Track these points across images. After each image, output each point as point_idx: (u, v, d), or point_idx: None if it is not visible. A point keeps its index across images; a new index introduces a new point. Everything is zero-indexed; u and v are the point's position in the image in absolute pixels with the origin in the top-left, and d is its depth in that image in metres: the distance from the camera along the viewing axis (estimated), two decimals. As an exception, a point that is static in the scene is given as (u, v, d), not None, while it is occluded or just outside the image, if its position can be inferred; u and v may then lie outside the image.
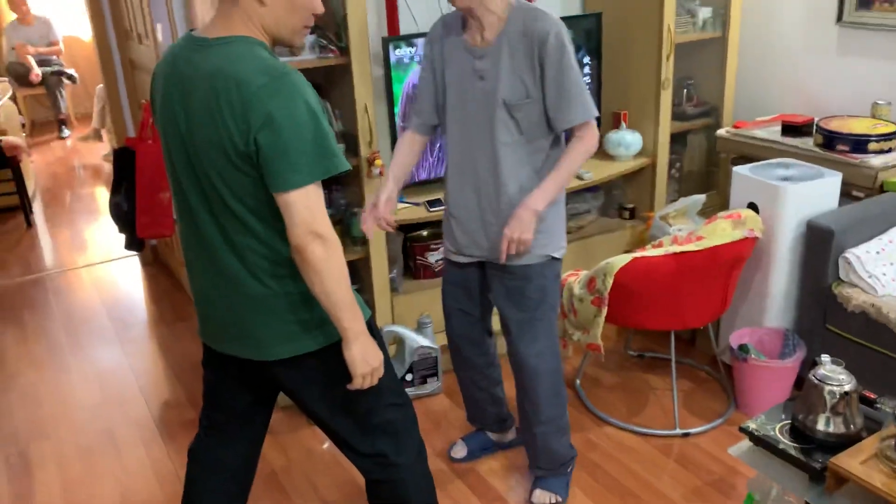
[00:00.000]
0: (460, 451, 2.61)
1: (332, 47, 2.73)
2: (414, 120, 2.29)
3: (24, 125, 7.16)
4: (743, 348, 2.72)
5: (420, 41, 2.92)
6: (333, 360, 1.61)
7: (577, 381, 3.00)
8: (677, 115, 3.65)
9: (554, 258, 2.18)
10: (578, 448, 2.60)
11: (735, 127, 3.35)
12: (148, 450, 2.79)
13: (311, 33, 2.72)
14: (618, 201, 3.69)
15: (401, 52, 2.92)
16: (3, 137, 5.15)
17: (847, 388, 1.78)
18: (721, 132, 3.38)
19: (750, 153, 3.19)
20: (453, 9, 2.07)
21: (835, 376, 1.80)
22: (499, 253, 2.08)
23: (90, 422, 2.99)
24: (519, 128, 2.05)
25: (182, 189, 1.58)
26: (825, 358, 1.85)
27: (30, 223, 5.24)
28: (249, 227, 1.54)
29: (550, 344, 2.23)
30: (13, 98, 6.74)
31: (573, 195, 3.51)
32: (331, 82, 2.90)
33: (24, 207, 5.24)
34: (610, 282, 2.44)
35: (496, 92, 2.03)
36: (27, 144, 6.07)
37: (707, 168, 3.83)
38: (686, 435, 2.68)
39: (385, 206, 2.18)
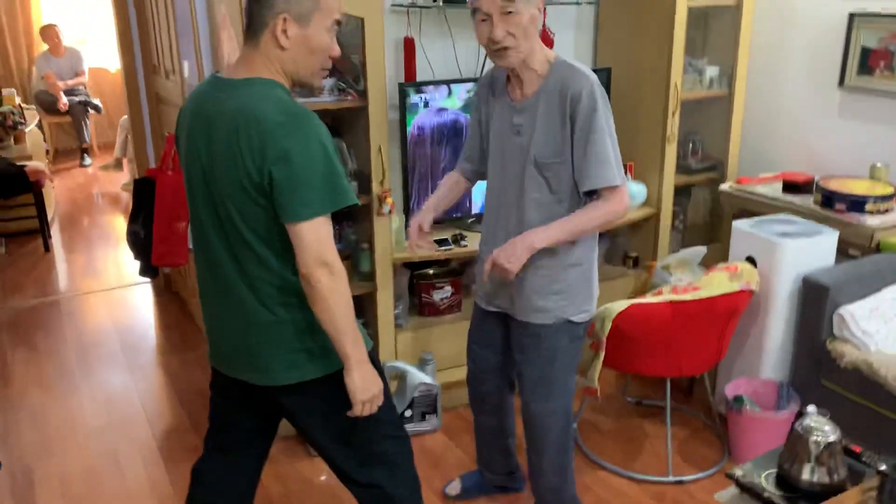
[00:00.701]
0: (455, 488, 2.63)
1: (351, 91, 2.85)
2: (461, 164, 2.35)
3: (48, 152, 7.35)
4: (738, 399, 2.76)
5: (431, 88, 3.04)
6: (336, 388, 1.68)
7: (574, 425, 3.04)
8: (682, 169, 3.74)
9: (572, 322, 2.15)
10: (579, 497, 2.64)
11: (738, 182, 3.44)
12: (149, 473, 2.85)
13: (331, 76, 2.85)
14: (622, 249, 3.77)
15: (422, 96, 3.04)
16: (27, 163, 5.31)
17: (831, 438, 1.83)
18: (724, 187, 3.46)
19: (751, 208, 3.27)
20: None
21: (819, 427, 1.85)
22: (512, 303, 2.14)
23: (95, 443, 3.05)
24: (549, 186, 2.05)
25: (200, 220, 1.68)
26: (811, 408, 1.90)
27: (47, 247, 5.36)
28: (261, 258, 1.63)
29: (563, 403, 2.23)
30: (39, 125, 6.94)
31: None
32: (348, 123, 3.02)
33: (43, 232, 5.37)
34: (608, 326, 2.51)
35: (529, 148, 2.04)
36: (50, 171, 6.24)
37: (710, 221, 3.90)
38: (679, 482, 2.71)
39: (423, 225, 2.26)
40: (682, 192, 3.82)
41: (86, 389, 3.47)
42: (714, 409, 2.98)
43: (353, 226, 3.11)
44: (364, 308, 3.14)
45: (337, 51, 1.68)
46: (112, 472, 2.85)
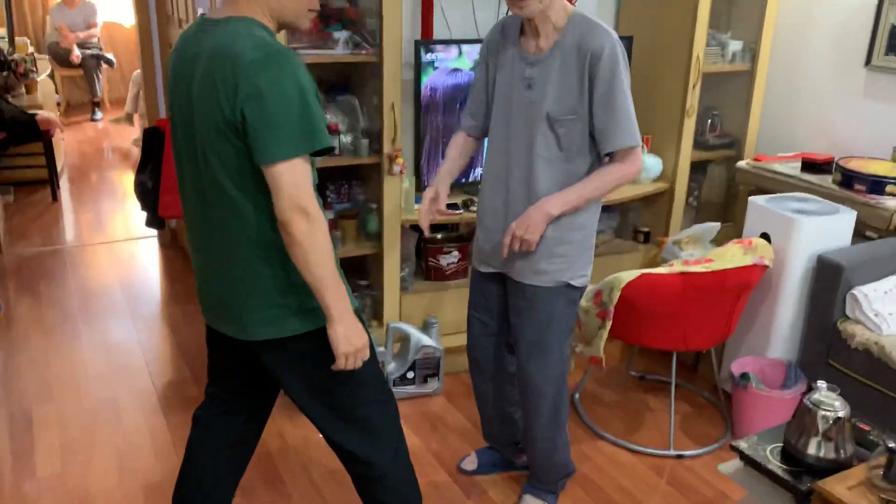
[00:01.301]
0: (471, 463, 2.59)
1: (366, 45, 2.80)
2: (465, 122, 2.27)
3: (59, 104, 7.30)
4: (744, 377, 2.73)
5: (448, 47, 2.98)
6: (316, 347, 1.64)
7: (576, 396, 3.02)
8: (699, 144, 3.68)
9: (571, 286, 2.12)
10: (572, 459, 2.62)
11: (755, 160, 3.38)
12: (148, 421, 2.84)
13: (345, 29, 2.79)
14: (633, 224, 3.72)
15: (431, 56, 2.97)
16: (38, 112, 5.26)
17: (840, 414, 1.80)
18: (741, 164, 3.40)
19: (768, 186, 3.21)
20: (508, 14, 2.06)
21: (829, 402, 1.82)
22: (510, 264, 2.10)
23: (94, 389, 3.04)
24: (559, 144, 2.00)
25: (183, 168, 1.63)
26: (821, 384, 1.86)
27: (55, 197, 5.34)
28: (238, 208, 1.57)
29: (558, 368, 2.19)
30: (52, 78, 6.90)
31: (589, 214, 3.55)
32: (360, 80, 2.96)
33: (52, 182, 5.34)
34: (616, 295, 2.47)
35: (541, 103, 1.99)
36: (61, 123, 6.19)
37: (725, 199, 3.85)
38: (680, 457, 2.68)
39: (443, 199, 2.19)
40: (697, 168, 3.76)
41: (87, 337, 3.46)
42: (719, 386, 2.95)
43: (362, 185, 3.07)
44: (370, 269, 3.11)
45: None
46: (110, 418, 2.85)
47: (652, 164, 3.51)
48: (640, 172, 2.03)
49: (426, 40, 3.01)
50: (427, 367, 2.98)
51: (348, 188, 3.08)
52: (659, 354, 3.21)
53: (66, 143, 6.53)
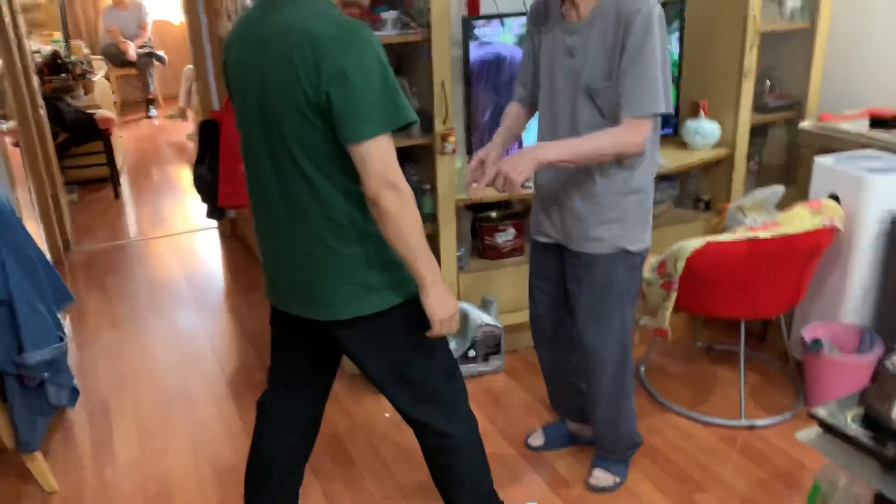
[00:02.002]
0: (537, 439, 2.58)
1: (414, 24, 2.78)
2: (517, 92, 2.26)
3: (115, 103, 7.49)
4: (816, 343, 2.65)
5: (498, 22, 2.94)
6: (392, 324, 1.67)
7: (642, 369, 2.98)
8: (759, 107, 3.56)
9: (629, 251, 2.09)
10: (641, 432, 2.59)
11: (820, 120, 3.26)
12: (219, 406, 2.91)
13: (394, 9, 2.78)
14: (694, 192, 3.64)
15: (479, 32, 2.94)
16: (96, 111, 5.41)
17: (923, 377, 1.73)
18: (804, 125, 3.28)
19: (834, 147, 3.09)
20: None
21: (911, 365, 1.74)
22: (565, 233, 2.09)
23: (166, 377, 3.13)
24: (601, 111, 1.98)
25: (254, 153, 1.63)
26: (902, 346, 1.79)
27: (117, 194, 5.49)
28: (317, 189, 1.58)
29: (619, 334, 2.17)
30: (107, 77, 7.07)
31: (646, 184, 3.48)
32: (410, 60, 2.95)
33: (113, 179, 5.49)
34: (681, 266, 2.42)
35: (582, 71, 1.98)
36: (118, 121, 6.35)
37: (787, 163, 3.72)
38: (752, 427, 2.63)
39: (486, 160, 2.09)
40: (757, 132, 3.64)
41: (156, 328, 3.56)
42: (790, 354, 2.87)
43: (415, 166, 3.06)
44: (427, 248, 3.11)
45: None
46: (183, 405, 2.92)
47: (710, 129, 3.41)
48: (641, 145, 1.94)
49: (473, 16, 2.98)
50: (488, 345, 2.98)
51: (402, 169, 3.07)
52: (725, 324, 3.14)
53: (124, 141, 6.70)
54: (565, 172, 2.08)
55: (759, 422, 2.64)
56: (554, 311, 2.32)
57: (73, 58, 5.79)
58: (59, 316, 2.37)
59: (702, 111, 3.44)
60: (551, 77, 2.07)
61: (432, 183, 2.92)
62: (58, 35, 6.44)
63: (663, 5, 3.23)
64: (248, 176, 1.70)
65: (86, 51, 6.57)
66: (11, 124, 3.56)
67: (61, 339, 2.25)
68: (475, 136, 3.08)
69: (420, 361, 1.75)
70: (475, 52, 2.97)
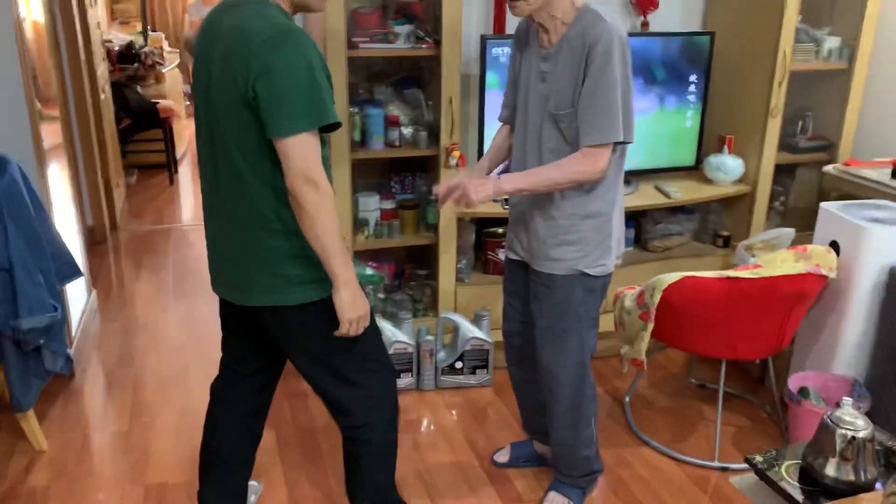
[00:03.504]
0: (503, 455, 2.61)
1: (428, 39, 2.85)
2: (501, 113, 2.33)
3: (185, 94, 7.84)
4: (803, 391, 2.58)
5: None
6: (311, 319, 1.73)
7: (627, 399, 2.95)
8: (788, 147, 3.49)
9: (587, 274, 2.11)
10: (610, 462, 2.58)
11: (845, 164, 3.17)
12: (212, 390, 3.04)
13: (409, 23, 2.86)
14: (713, 227, 3.58)
15: (497, 52, 2.98)
16: (160, 101, 5.70)
17: (861, 434, 1.68)
18: (828, 168, 3.20)
19: (855, 192, 3.01)
20: None
21: (851, 420, 1.70)
22: (528, 252, 2.13)
23: (171, 359, 3.28)
24: (564, 136, 2.02)
25: (201, 144, 1.74)
26: (846, 400, 1.75)
27: (172, 181, 5.76)
28: (248, 182, 1.66)
29: (576, 356, 2.18)
30: (182, 68, 7.41)
31: (665, 213, 3.45)
32: (428, 75, 3.02)
33: (169, 166, 5.76)
34: (658, 297, 2.40)
35: (549, 97, 2.02)
36: (188, 111, 6.64)
37: (815, 205, 3.61)
38: (724, 469, 2.57)
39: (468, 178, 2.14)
40: (785, 171, 3.57)
41: (174, 310, 3.73)
42: (777, 401, 2.80)
43: (423, 177, 3.13)
44: (428, 259, 3.17)
45: None
46: (179, 385, 3.07)
47: (733, 164, 3.36)
48: (601, 173, 1.97)
49: (492, 35, 3.03)
50: (476, 359, 3.01)
51: (412, 179, 3.16)
52: (725, 363, 3.07)
53: (189, 132, 7.01)
54: (530, 197, 2.12)
55: (734, 465, 2.58)
56: (523, 328, 2.34)
57: (146, 48, 6.11)
58: (59, 288, 2.54)
59: (726, 147, 3.39)
60: (526, 101, 2.11)
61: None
62: (139, 27, 6.80)
63: (693, 36, 3.25)
64: (200, 165, 1.80)
65: (164, 43, 6.91)
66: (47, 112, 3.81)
67: (55, 309, 2.41)
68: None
69: (340, 356, 1.82)
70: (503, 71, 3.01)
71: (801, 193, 3.63)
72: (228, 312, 1.93)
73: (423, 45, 2.84)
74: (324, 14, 2.62)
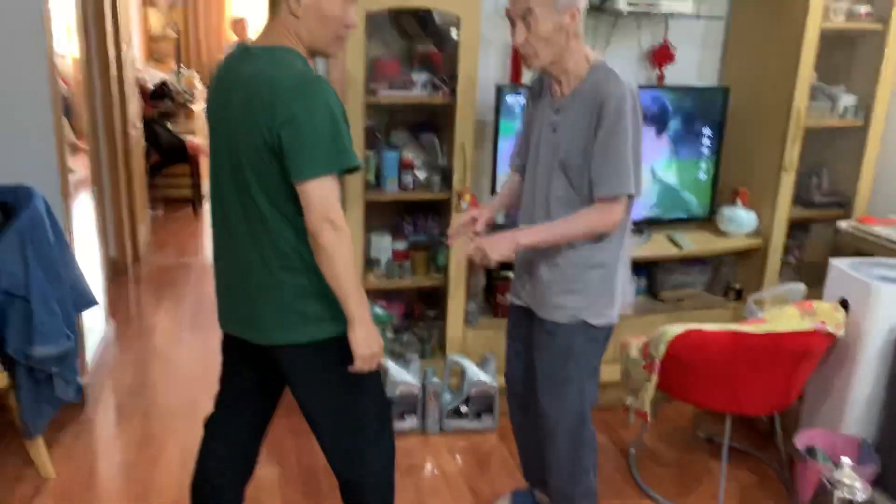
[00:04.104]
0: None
1: (445, 88, 2.92)
2: (513, 160, 2.37)
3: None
4: (810, 450, 2.54)
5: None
6: (326, 356, 1.77)
7: (632, 450, 2.93)
8: (803, 202, 3.49)
9: (589, 324, 2.11)
10: (603, 513, 2.55)
11: (860, 221, 3.16)
12: (219, 424, 3.06)
13: (427, 72, 2.94)
14: (726, 280, 3.57)
15: (512, 101, 3.05)
16: (189, 137, 5.85)
17: (859, 497, 1.66)
18: (842, 224, 3.20)
19: (869, 250, 3.00)
20: None
21: (850, 482, 1.69)
22: (532, 298, 2.15)
23: (181, 390, 3.33)
24: (573, 186, 2.06)
25: (219, 183, 1.79)
26: (845, 461, 1.73)
27: (196, 213, 5.87)
28: (268, 220, 1.71)
29: (575, 406, 2.17)
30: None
31: (678, 264, 3.45)
32: (444, 121, 3.08)
33: (194, 200, 5.89)
34: (663, 349, 2.40)
35: (559, 147, 2.06)
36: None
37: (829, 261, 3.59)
38: (728, 527, 2.54)
39: (480, 222, 2.23)
40: (800, 226, 3.57)
41: (189, 342, 3.79)
42: (783, 459, 2.75)
43: (436, 219, 3.18)
44: (437, 300, 3.20)
45: (352, 20, 1.75)
46: (187, 418, 3.10)
47: (746, 218, 3.37)
48: (616, 225, 2.01)
49: (507, 85, 3.09)
50: (481, 403, 3.01)
51: (424, 221, 3.20)
52: (731, 418, 3.04)
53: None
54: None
55: (737, 523, 2.55)
56: (525, 375, 2.35)
57: (178, 86, 6.29)
58: (74, 317, 2.60)
59: (740, 200, 3.40)
60: (537, 150, 2.16)
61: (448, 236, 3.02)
62: (174, 66, 7.02)
63: (708, 90, 3.29)
64: (213, 204, 1.86)
65: (197, 81, 7.12)
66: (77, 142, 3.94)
67: (69, 338, 2.47)
68: (499, 199, 3.16)
69: (349, 396, 1.84)
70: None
71: (816, 249, 3.62)
72: (234, 349, 1.97)
73: (439, 93, 2.91)
74: (342, 60, 2.71)
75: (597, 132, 1.97)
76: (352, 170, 1.69)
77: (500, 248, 2.02)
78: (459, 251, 2.97)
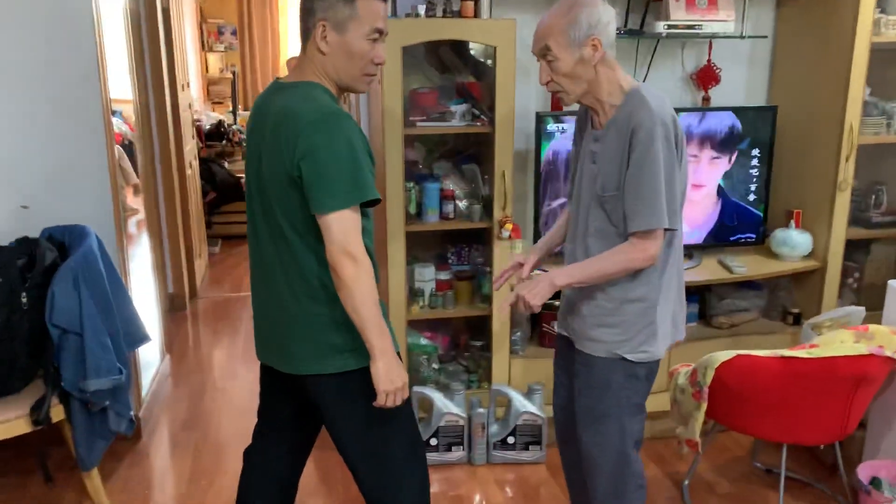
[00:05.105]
0: None
1: (483, 117, 2.94)
2: (568, 191, 2.32)
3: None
4: (875, 482, 2.42)
5: (569, 119, 3.03)
6: (353, 387, 1.77)
7: (686, 482, 2.83)
8: (861, 221, 3.37)
9: (627, 360, 2.03)
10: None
11: (922, 240, 3.03)
12: (268, 456, 3.09)
13: (465, 102, 2.96)
14: (782, 304, 3.46)
15: (552, 128, 3.04)
16: (242, 175, 6.01)
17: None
18: (903, 244, 3.07)
19: (931, 270, 2.87)
20: None
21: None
22: (572, 329, 2.11)
23: (233, 423, 3.38)
24: (609, 218, 2.00)
25: (253, 214, 1.84)
26: (902, 493, 1.64)
27: (252, 250, 6.00)
28: (295, 250, 1.75)
29: (616, 443, 2.10)
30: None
31: (731, 288, 3.36)
32: (485, 151, 3.10)
33: (250, 236, 6.02)
34: (710, 375, 2.33)
35: (597, 178, 2.02)
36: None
37: (894, 283, 3.45)
38: (788, 563, 2.42)
39: (527, 267, 2.21)
40: (858, 247, 3.43)
41: (242, 376, 3.85)
42: (847, 490, 2.62)
43: (479, 249, 3.18)
44: (482, 330, 3.18)
45: (381, 57, 1.77)
46: (239, 450, 3.08)
47: (801, 240, 3.27)
48: (652, 259, 1.94)
49: (547, 112, 3.09)
50: (528, 434, 2.97)
51: (468, 251, 3.21)
52: (790, 448, 2.91)
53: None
54: None
55: (799, 559, 2.43)
56: (569, 404, 2.30)
57: (234, 126, 6.49)
58: (127, 353, 2.68)
59: (793, 221, 3.30)
60: (580, 180, 2.12)
61: (491, 265, 3.02)
62: (230, 106, 7.26)
63: (755, 109, 3.22)
64: (249, 235, 1.90)
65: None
66: (136, 181, 4.09)
67: (121, 372, 2.54)
68: (543, 226, 3.14)
69: (377, 428, 1.84)
70: (558, 147, 3.06)
71: (877, 270, 3.48)
72: (271, 379, 2.00)
73: (478, 123, 2.93)
74: (379, 93, 2.75)
75: (628, 163, 1.92)
76: (372, 203, 1.71)
77: (538, 292, 1.98)
78: (501, 297, 2.95)
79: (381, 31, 1.75)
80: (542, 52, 1.94)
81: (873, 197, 3.41)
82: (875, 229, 3.37)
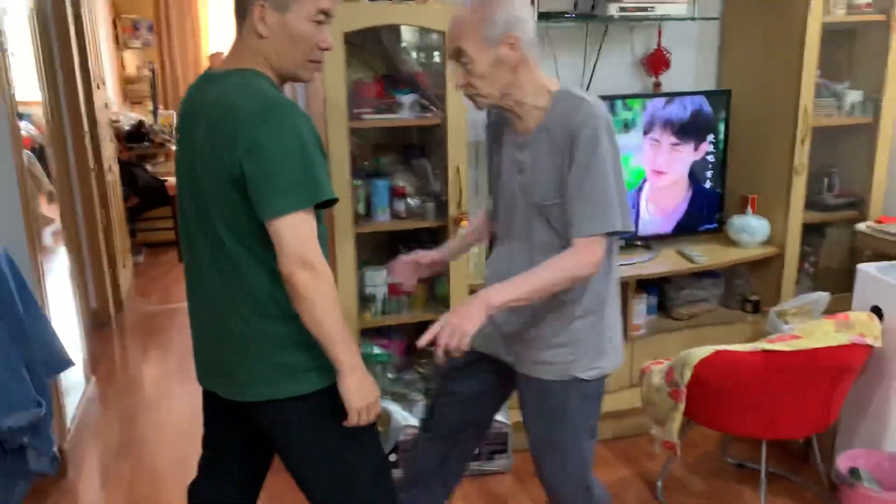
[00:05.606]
0: None
1: (433, 108, 2.75)
2: (487, 203, 2.12)
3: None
4: (854, 473, 2.35)
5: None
6: (314, 410, 1.57)
7: (659, 483, 2.72)
8: (815, 205, 3.33)
9: (581, 379, 1.84)
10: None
11: (878, 221, 3.00)
12: (212, 484, 2.84)
13: (413, 92, 2.77)
14: (741, 292, 3.39)
15: (504, 117, 2.87)
16: (168, 178, 5.66)
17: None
18: (860, 226, 3.03)
19: (890, 251, 2.83)
20: None
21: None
22: (513, 352, 1.91)
23: (170, 449, 3.11)
24: (554, 229, 1.80)
25: (187, 221, 1.61)
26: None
27: (181, 258, 5.67)
28: (240, 265, 1.53)
29: (577, 469, 1.92)
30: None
31: (689, 279, 3.27)
32: (434, 144, 2.92)
33: (178, 243, 5.68)
34: (688, 374, 2.21)
35: (532, 188, 1.81)
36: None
37: (848, 266, 3.42)
38: (773, 563, 2.33)
39: (422, 263, 2.08)
40: (814, 231, 3.39)
41: (178, 396, 3.57)
42: (825, 482, 2.56)
43: (433, 249, 2.98)
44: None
45: (327, 42, 1.56)
46: (178, 479, 2.87)
47: (758, 226, 3.20)
48: (598, 266, 1.73)
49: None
50: (494, 443, 2.81)
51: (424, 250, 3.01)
52: (766, 442, 2.85)
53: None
54: None
55: (782, 557, 2.34)
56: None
57: (156, 126, 6.12)
58: (47, 382, 2.39)
59: (750, 207, 3.23)
60: (504, 193, 1.91)
61: (446, 267, 2.83)
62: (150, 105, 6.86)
63: (708, 94, 3.14)
64: (182, 247, 1.67)
65: (176, 121, 6.95)
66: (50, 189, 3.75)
67: (40, 405, 2.26)
68: (498, 222, 2.98)
69: (343, 452, 1.64)
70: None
71: (833, 254, 3.46)
72: (215, 406, 1.77)
73: (428, 114, 2.74)
74: (321, 85, 2.54)
75: (571, 167, 1.72)
76: (328, 203, 1.49)
77: (471, 317, 1.63)
78: (458, 283, 2.79)
79: (326, 13, 1.53)
80: (456, 55, 1.73)
81: (826, 180, 3.38)
82: (829, 212, 3.33)
